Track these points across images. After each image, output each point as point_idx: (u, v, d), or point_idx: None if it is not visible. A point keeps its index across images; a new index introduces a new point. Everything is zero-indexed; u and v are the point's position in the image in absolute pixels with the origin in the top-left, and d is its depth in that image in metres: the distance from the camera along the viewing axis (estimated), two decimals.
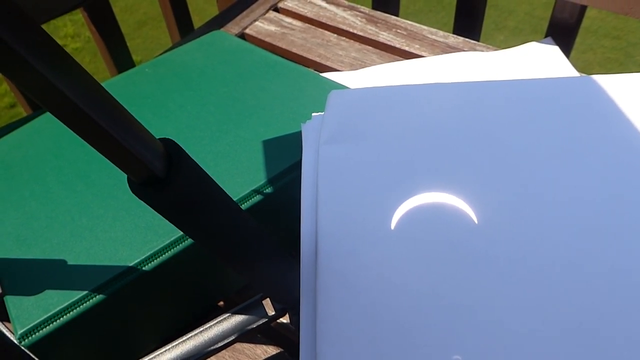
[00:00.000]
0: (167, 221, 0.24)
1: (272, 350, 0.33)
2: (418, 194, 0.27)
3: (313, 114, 0.34)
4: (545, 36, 0.53)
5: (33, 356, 0.26)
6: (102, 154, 0.16)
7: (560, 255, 0.24)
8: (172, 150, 0.18)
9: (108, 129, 0.15)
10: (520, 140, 0.28)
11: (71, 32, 1.68)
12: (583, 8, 0.53)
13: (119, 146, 0.16)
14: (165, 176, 0.18)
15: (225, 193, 0.21)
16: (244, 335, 0.29)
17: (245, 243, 0.23)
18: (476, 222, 0.25)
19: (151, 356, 0.28)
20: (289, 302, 0.29)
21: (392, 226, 0.26)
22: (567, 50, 0.55)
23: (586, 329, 0.22)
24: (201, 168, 0.20)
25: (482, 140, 0.29)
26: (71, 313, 0.27)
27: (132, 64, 0.68)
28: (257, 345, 0.33)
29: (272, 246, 0.25)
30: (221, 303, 0.36)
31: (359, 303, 0.23)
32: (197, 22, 0.75)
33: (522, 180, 0.27)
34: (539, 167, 0.27)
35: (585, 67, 1.38)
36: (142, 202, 0.29)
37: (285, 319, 0.34)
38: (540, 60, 0.48)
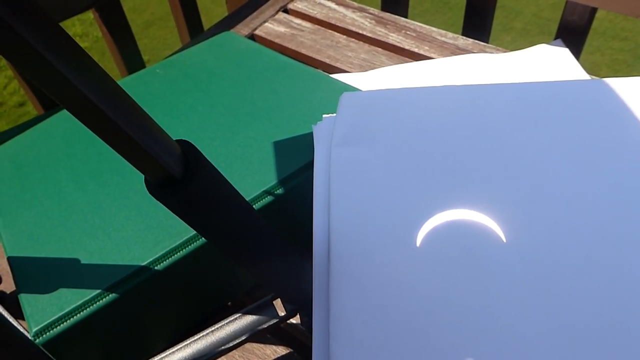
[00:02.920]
0: (178, 221, 0.24)
1: (281, 351, 0.33)
2: (431, 197, 0.27)
3: (324, 116, 0.34)
4: (555, 38, 0.53)
5: (48, 354, 0.26)
6: (121, 154, 0.16)
7: (572, 259, 0.24)
8: (188, 152, 0.19)
9: (127, 130, 0.16)
10: (532, 143, 0.28)
11: (79, 31, 1.69)
12: (593, 10, 0.53)
13: (138, 147, 0.16)
14: (182, 178, 0.18)
15: (240, 194, 0.21)
16: (254, 335, 0.29)
17: (258, 244, 0.23)
18: (489, 225, 0.25)
19: (163, 355, 0.28)
20: (300, 303, 0.29)
21: (405, 228, 0.26)
22: (577, 52, 0.55)
23: (599, 333, 0.22)
24: (217, 170, 0.20)
25: (493, 144, 0.29)
26: (85, 311, 0.28)
27: (142, 64, 0.69)
28: (267, 346, 0.34)
29: (283, 247, 0.25)
30: (229, 303, 0.36)
31: (372, 304, 0.23)
32: (204, 22, 0.75)
33: (534, 184, 0.27)
34: (550, 171, 0.27)
35: (593, 68, 1.37)
36: (153, 201, 0.29)
37: (294, 320, 0.34)
38: (550, 62, 0.48)
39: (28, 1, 0.12)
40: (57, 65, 0.13)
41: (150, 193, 0.19)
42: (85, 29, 1.70)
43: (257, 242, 0.23)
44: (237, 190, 0.21)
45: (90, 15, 1.67)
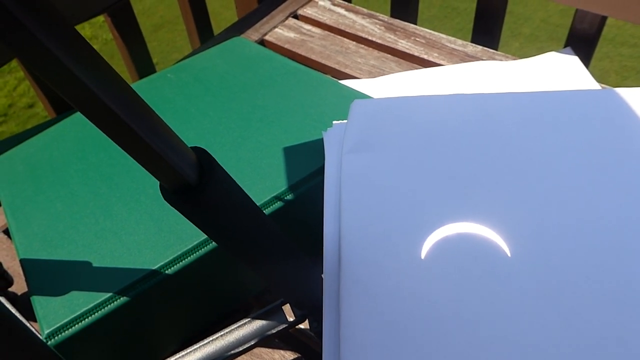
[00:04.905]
0: (189, 225, 0.25)
1: (289, 356, 0.33)
2: (441, 206, 0.27)
3: (334, 122, 0.34)
4: (565, 46, 0.53)
5: (60, 356, 0.26)
6: (137, 161, 0.17)
7: (582, 270, 0.24)
8: (203, 160, 0.19)
9: (144, 137, 0.16)
10: (543, 153, 0.28)
11: (89, 34, 1.70)
12: (603, 18, 0.53)
13: (155, 154, 0.16)
14: (197, 184, 0.18)
15: (252, 201, 0.22)
16: (262, 340, 0.29)
17: (269, 250, 0.23)
18: (499, 236, 0.26)
19: (173, 358, 0.29)
20: (310, 308, 0.29)
21: (416, 237, 0.26)
22: (586, 60, 0.55)
23: (610, 343, 0.22)
24: (231, 177, 0.20)
25: (504, 153, 0.29)
26: (96, 314, 0.28)
27: (152, 68, 0.69)
28: (275, 350, 0.34)
29: (294, 253, 0.25)
30: (238, 307, 0.37)
31: (382, 311, 0.23)
32: (213, 25, 0.75)
33: (545, 195, 0.27)
34: (561, 181, 0.27)
35: (602, 75, 1.37)
36: (164, 205, 0.29)
37: (302, 325, 0.34)
38: (560, 71, 0.48)
39: (45, 4, 0.12)
40: (74, 69, 0.13)
41: (165, 199, 0.19)
42: (94, 32, 1.71)
43: (268, 248, 0.23)
44: (249, 197, 0.21)
45: (99, 18, 1.68)
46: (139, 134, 0.16)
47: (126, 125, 0.15)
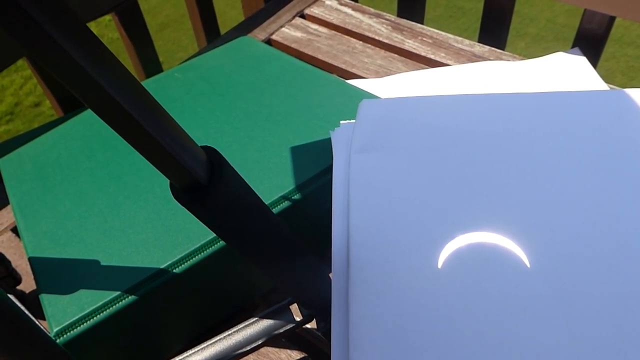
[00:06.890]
0: (196, 224, 0.25)
1: (296, 355, 0.33)
2: (450, 207, 0.27)
3: (341, 122, 0.34)
4: (572, 46, 0.53)
5: (69, 353, 0.26)
6: (148, 159, 0.17)
7: (597, 279, 0.24)
8: (214, 159, 0.19)
9: (155, 136, 0.16)
10: (554, 155, 0.28)
11: (95, 33, 1.71)
12: (612, 19, 0.53)
13: (166, 153, 0.16)
14: (207, 184, 0.18)
15: (262, 200, 0.22)
16: (270, 339, 0.29)
17: (278, 249, 0.23)
18: (508, 238, 0.25)
19: (180, 357, 0.29)
20: (318, 308, 0.29)
21: (424, 239, 0.26)
22: (594, 60, 0.55)
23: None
24: (240, 176, 0.20)
25: (514, 154, 0.29)
26: (105, 312, 0.28)
27: (159, 67, 0.69)
28: (282, 350, 0.34)
29: (303, 253, 0.25)
30: (244, 306, 0.37)
31: (391, 313, 0.23)
32: (219, 24, 0.75)
33: (556, 198, 0.27)
34: (572, 184, 0.27)
35: (608, 75, 1.36)
36: (172, 204, 0.29)
37: (309, 324, 0.34)
38: (568, 71, 0.48)
39: (57, 0, 0.12)
40: (86, 66, 0.13)
41: (175, 198, 0.19)
42: (100, 31, 1.72)
43: (277, 248, 0.23)
44: (259, 197, 0.21)
45: (105, 17, 1.69)
46: (151, 132, 0.16)
47: (138, 124, 0.15)
